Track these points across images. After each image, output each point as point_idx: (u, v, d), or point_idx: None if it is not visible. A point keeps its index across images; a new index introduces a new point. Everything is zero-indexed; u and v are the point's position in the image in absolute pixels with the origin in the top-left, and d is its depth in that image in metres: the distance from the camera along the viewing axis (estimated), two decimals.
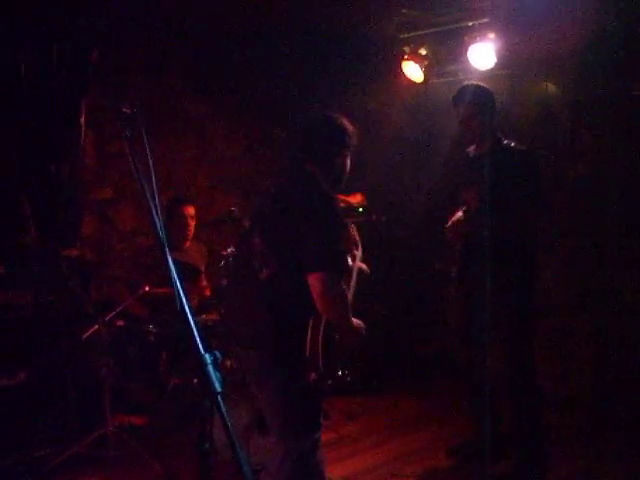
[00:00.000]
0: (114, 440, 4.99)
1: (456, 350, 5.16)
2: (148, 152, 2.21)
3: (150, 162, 2.20)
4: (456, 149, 5.07)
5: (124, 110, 2.26)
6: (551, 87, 6.33)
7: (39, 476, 4.70)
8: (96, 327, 5.01)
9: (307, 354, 3.33)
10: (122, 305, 5.18)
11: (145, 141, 2.23)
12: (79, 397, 5.21)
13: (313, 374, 3.32)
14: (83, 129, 5.71)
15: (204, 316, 5.45)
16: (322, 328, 3.37)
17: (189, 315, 2.05)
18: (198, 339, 2.02)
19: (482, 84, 4.81)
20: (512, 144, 4.65)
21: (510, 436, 4.75)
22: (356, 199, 5.95)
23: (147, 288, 5.14)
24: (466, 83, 4.89)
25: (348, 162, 3.74)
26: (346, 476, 4.70)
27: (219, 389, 1.97)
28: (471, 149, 4.87)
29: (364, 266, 4.18)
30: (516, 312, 4.57)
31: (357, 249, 4.19)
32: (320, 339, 3.34)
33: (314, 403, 3.52)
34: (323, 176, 3.59)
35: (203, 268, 6.08)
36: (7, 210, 5.51)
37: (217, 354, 2.03)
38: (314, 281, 3.29)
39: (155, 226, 2.14)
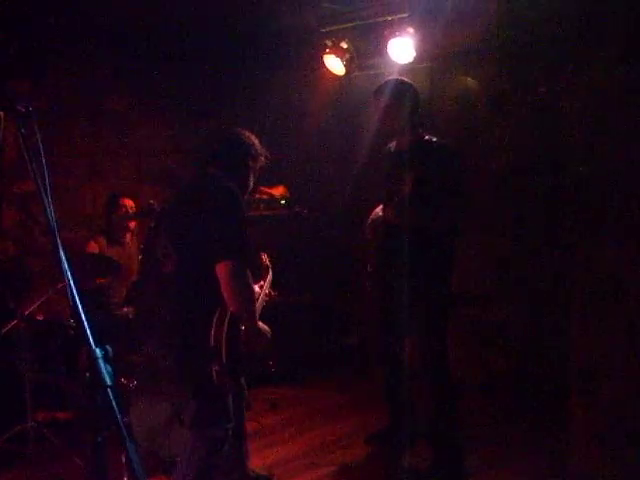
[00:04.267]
0: (35, 435, 4.97)
1: (373, 342, 5.23)
2: (41, 149, 2.24)
3: (43, 159, 2.23)
4: (379, 144, 5.08)
5: (19, 108, 2.29)
6: (470, 81, 6.43)
7: None
8: (15, 322, 4.98)
9: (211, 347, 3.38)
10: (41, 299, 5.15)
11: (38, 138, 2.26)
12: (0, 392, 5.16)
13: (216, 366, 3.37)
14: (2, 122, 5.64)
15: (126, 309, 5.46)
16: (226, 322, 3.43)
17: (80, 308, 2.07)
18: (89, 333, 2.05)
19: (404, 79, 4.77)
20: (434, 139, 4.61)
21: (425, 425, 4.80)
22: (278, 191, 6.01)
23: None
24: (388, 78, 4.87)
25: (252, 174, 3.91)
26: (266, 466, 4.73)
27: (109, 383, 2.00)
28: (392, 144, 4.84)
29: (272, 292, 4.36)
30: (433, 304, 4.57)
31: (267, 274, 4.38)
32: (224, 333, 3.40)
33: (222, 396, 3.58)
34: (226, 179, 3.68)
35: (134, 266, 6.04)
36: None
37: (108, 348, 2.06)
38: (221, 269, 3.39)
39: (46, 216, 2.17)
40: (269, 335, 3.73)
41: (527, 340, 6.19)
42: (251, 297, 3.54)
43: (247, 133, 3.92)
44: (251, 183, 3.95)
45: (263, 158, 3.94)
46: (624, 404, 3.86)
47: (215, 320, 3.42)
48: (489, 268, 6.41)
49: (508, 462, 4.81)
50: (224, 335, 3.40)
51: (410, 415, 4.77)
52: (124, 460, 4.47)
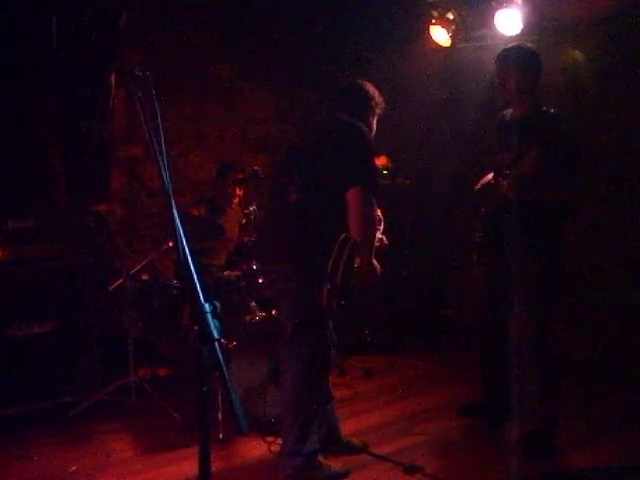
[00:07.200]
0: (136, 389, 5.17)
1: (477, 315, 5.18)
2: (158, 112, 2.33)
3: (159, 122, 2.32)
4: (493, 111, 4.99)
5: (136, 73, 2.38)
6: (578, 54, 6.29)
7: (64, 421, 4.90)
8: (121, 280, 5.16)
9: (329, 268, 3.70)
10: (146, 259, 5.33)
11: (155, 102, 2.35)
12: (105, 347, 5.37)
13: (329, 285, 3.69)
14: (113, 88, 5.85)
15: (226, 272, 5.59)
16: (347, 250, 3.72)
17: (191, 266, 2.16)
18: (199, 289, 2.14)
19: (527, 46, 4.66)
20: (551, 110, 4.48)
21: (519, 400, 4.74)
22: (381, 161, 6.03)
23: (171, 243, 5.27)
24: (511, 44, 4.71)
25: (374, 122, 4.25)
26: (359, 431, 4.80)
27: (216, 336, 2.09)
28: (508, 112, 4.73)
29: (384, 238, 4.47)
30: (540, 278, 4.47)
31: (380, 225, 4.48)
32: (343, 259, 3.70)
33: (326, 315, 3.93)
34: (354, 120, 4.00)
35: (236, 231, 6.16)
36: (39, 166, 5.68)
37: (216, 304, 2.15)
38: (351, 195, 3.73)
39: (162, 180, 2.25)
40: (378, 272, 3.99)
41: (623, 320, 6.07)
42: (374, 224, 3.88)
43: (368, 84, 4.26)
44: (374, 127, 4.25)
45: (380, 102, 4.26)
46: None
47: (337, 246, 3.72)
48: (592, 247, 6.26)
49: (603, 440, 4.76)
50: (342, 261, 3.69)
51: (506, 389, 4.71)
52: (220, 417, 4.65)
